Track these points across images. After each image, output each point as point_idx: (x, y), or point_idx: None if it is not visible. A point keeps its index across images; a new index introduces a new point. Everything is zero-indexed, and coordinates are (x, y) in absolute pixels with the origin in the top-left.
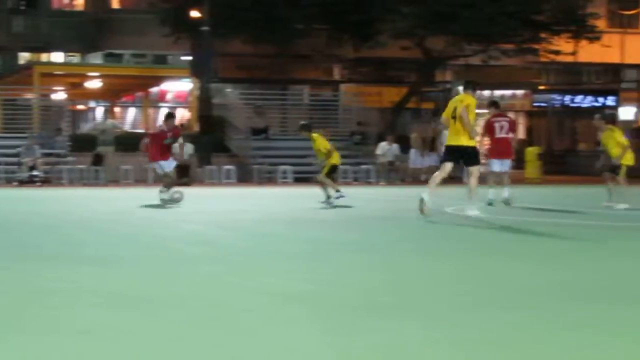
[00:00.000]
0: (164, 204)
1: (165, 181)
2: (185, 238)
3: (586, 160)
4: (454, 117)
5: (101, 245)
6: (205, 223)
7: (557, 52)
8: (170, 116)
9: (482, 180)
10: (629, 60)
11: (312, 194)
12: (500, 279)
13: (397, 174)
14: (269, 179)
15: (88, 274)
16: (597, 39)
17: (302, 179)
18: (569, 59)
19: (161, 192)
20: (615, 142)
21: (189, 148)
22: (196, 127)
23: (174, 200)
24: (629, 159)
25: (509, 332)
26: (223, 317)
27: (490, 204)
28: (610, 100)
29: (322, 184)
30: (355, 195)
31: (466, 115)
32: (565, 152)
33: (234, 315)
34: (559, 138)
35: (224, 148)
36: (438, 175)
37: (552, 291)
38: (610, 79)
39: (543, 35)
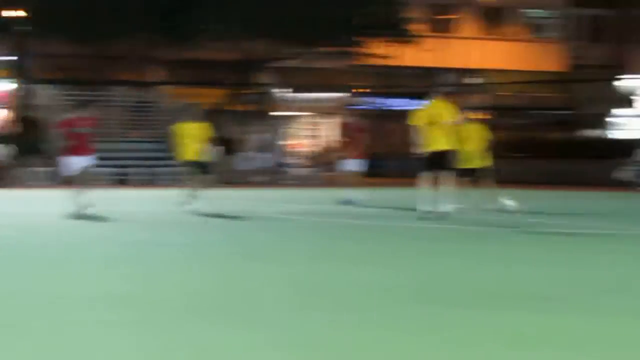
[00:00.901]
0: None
1: None
2: None
3: (401, 163)
4: (434, 123)
5: None
6: (14, 226)
7: (374, 56)
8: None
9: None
10: (446, 64)
11: (137, 196)
12: (326, 282)
13: (219, 176)
14: None
15: None
16: (414, 42)
17: (124, 181)
18: (386, 62)
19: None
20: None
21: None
22: (16, 128)
23: None
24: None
25: (333, 334)
26: (35, 324)
27: (347, 203)
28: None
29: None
30: (178, 197)
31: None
32: (382, 155)
33: (46, 319)
34: (376, 140)
35: (42, 150)
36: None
37: (379, 293)
38: (427, 82)
39: (360, 38)
